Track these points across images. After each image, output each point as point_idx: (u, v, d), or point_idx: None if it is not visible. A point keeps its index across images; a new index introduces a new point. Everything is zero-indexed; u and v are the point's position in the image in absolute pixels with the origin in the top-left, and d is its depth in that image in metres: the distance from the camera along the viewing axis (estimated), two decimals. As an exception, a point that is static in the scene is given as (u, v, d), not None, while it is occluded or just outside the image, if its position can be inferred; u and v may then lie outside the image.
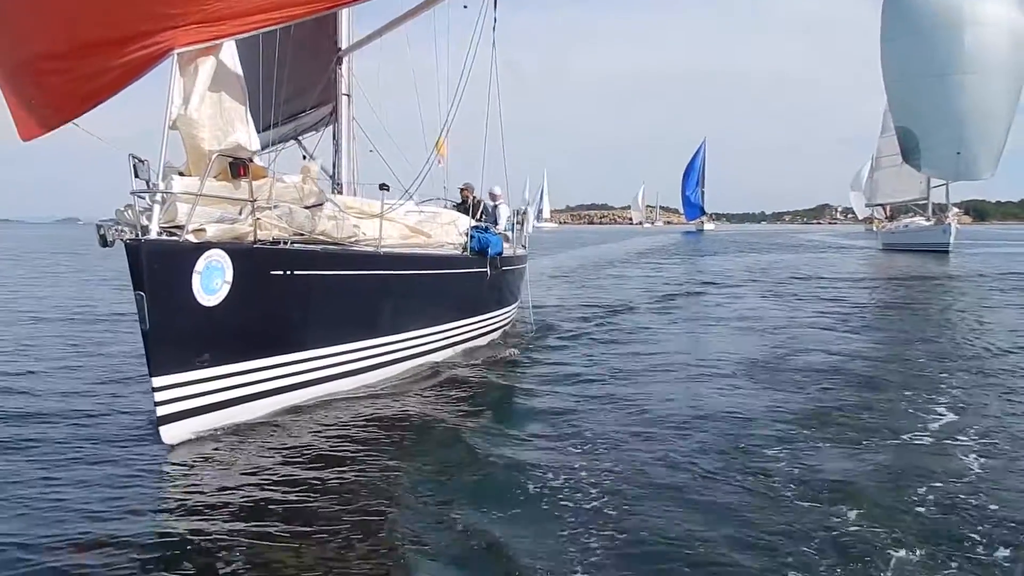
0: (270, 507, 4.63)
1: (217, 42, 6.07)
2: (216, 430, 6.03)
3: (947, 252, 36.82)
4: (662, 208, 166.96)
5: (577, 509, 4.60)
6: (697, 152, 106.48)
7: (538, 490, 4.90)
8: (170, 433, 5.74)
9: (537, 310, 13.24)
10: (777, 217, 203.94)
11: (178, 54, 5.75)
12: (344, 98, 10.81)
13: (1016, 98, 35.78)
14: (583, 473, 5.21)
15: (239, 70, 6.79)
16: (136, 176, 5.81)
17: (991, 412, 6.89)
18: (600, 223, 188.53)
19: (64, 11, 5.63)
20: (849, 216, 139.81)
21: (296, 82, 9.86)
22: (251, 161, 6.62)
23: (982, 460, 5.51)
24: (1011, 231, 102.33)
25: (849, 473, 5.22)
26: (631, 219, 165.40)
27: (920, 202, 45.89)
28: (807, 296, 18.15)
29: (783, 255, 40.77)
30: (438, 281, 9.21)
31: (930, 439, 6.05)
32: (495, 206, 12.11)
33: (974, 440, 6.01)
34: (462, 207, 11.32)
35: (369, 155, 11.24)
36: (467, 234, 9.82)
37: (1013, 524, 4.33)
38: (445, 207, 11.07)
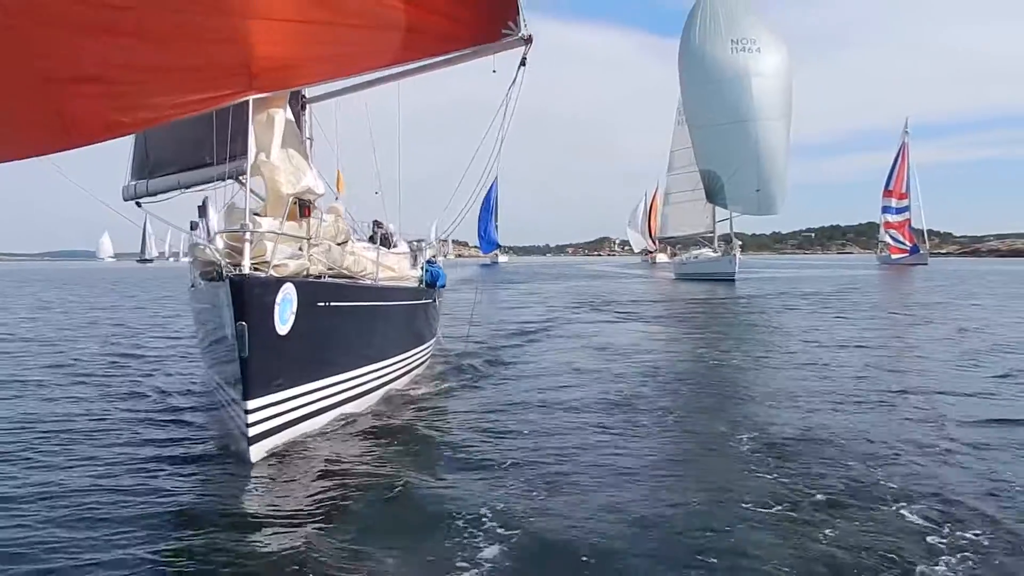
0: (349, 513, 5.08)
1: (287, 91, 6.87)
2: (287, 446, 6.47)
3: (733, 280, 40.63)
4: (454, 242, 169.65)
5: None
6: (491, 188, 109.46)
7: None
8: (257, 451, 6.11)
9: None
10: (560, 249, 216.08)
11: (253, 100, 6.28)
12: (308, 142, 10.65)
13: (788, 139, 40.80)
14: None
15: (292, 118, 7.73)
16: (202, 217, 6.99)
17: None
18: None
19: (138, 40, 5.81)
20: (626, 248, 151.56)
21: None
22: (313, 203, 7.43)
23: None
24: (767, 260, 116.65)
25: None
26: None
27: (706, 235, 50.18)
28: (631, 315, 21.62)
29: (591, 281, 44.73)
30: (411, 311, 10.07)
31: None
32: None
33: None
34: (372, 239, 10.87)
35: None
36: (423, 268, 10.75)
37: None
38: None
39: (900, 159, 68.96)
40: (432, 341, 11.60)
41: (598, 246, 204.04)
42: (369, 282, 8.43)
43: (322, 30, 6.37)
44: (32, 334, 16.99)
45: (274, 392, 6.34)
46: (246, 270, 6.10)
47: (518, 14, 6.92)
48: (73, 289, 40.81)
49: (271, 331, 6.09)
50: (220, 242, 6.62)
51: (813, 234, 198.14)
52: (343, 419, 7.51)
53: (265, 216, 7.03)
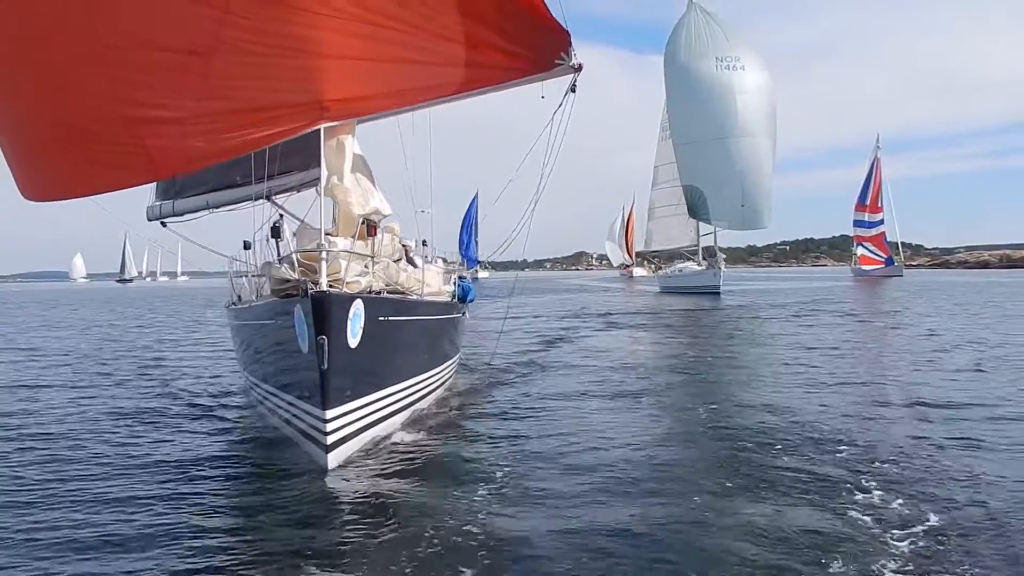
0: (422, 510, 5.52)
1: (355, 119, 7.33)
2: (357, 453, 6.88)
3: (718, 293, 41.28)
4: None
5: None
6: (471, 204, 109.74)
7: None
8: (334, 458, 6.47)
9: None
10: (539, 264, 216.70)
11: (324, 128, 6.80)
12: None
13: (774, 155, 41.74)
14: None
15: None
16: (276, 238, 7.43)
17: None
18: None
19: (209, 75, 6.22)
20: (603, 263, 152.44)
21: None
22: (378, 223, 7.92)
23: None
24: (743, 273, 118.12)
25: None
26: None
27: (690, 248, 50.93)
28: (630, 327, 23.01)
29: (574, 295, 45.34)
30: (450, 324, 10.49)
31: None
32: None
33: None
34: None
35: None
36: (455, 283, 11.20)
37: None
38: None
39: (874, 173, 70.65)
40: (460, 352, 12.07)
41: (576, 261, 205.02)
42: (416, 297, 8.81)
43: (389, 67, 6.84)
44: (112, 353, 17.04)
45: (346, 402, 6.66)
46: (324, 287, 6.41)
47: (570, 45, 7.37)
48: (94, 308, 40.89)
49: (345, 344, 6.41)
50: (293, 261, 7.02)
51: (788, 247, 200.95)
52: (398, 427, 7.92)
53: (336, 236, 7.42)
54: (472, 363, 13.33)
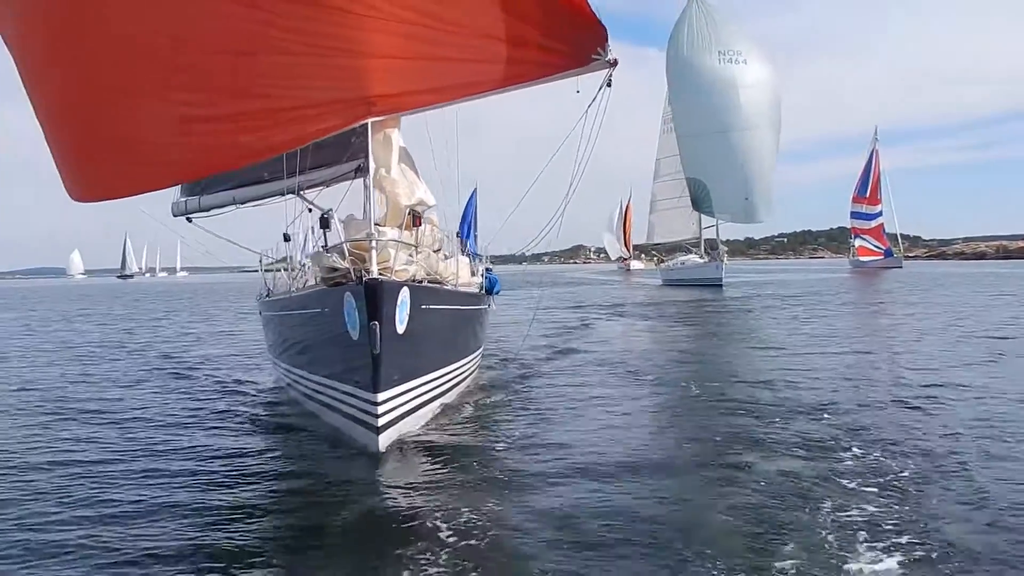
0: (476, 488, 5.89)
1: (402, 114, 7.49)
2: (404, 435, 7.18)
3: (720, 285, 41.47)
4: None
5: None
6: (470, 200, 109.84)
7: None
8: (384, 440, 6.76)
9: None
10: (536, 258, 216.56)
11: (371, 123, 7.02)
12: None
13: (776, 148, 41.95)
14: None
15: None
16: (325, 228, 7.43)
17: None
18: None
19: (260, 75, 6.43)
20: (601, 256, 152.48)
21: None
22: (422, 214, 8.18)
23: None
24: (742, 265, 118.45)
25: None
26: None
27: (691, 241, 51.12)
28: (642, 318, 23.78)
29: (576, 288, 46.43)
30: (479, 314, 10.79)
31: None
32: None
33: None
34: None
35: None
36: (483, 275, 11.47)
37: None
38: None
39: (873, 165, 70.89)
40: (484, 343, 12.33)
41: (573, 254, 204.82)
42: (451, 287, 9.05)
43: (432, 64, 7.04)
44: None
45: (394, 386, 6.91)
46: (375, 275, 6.62)
47: (607, 40, 7.57)
48: (127, 303, 41.36)
49: (394, 330, 6.66)
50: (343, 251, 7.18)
51: (785, 239, 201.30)
52: (438, 411, 8.27)
53: (383, 226, 7.65)
54: (496, 351, 13.62)
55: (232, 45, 6.47)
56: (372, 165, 7.66)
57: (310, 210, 11.43)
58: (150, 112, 6.66)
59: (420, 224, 7.88)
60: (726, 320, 22.77)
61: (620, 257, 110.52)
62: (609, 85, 7.93)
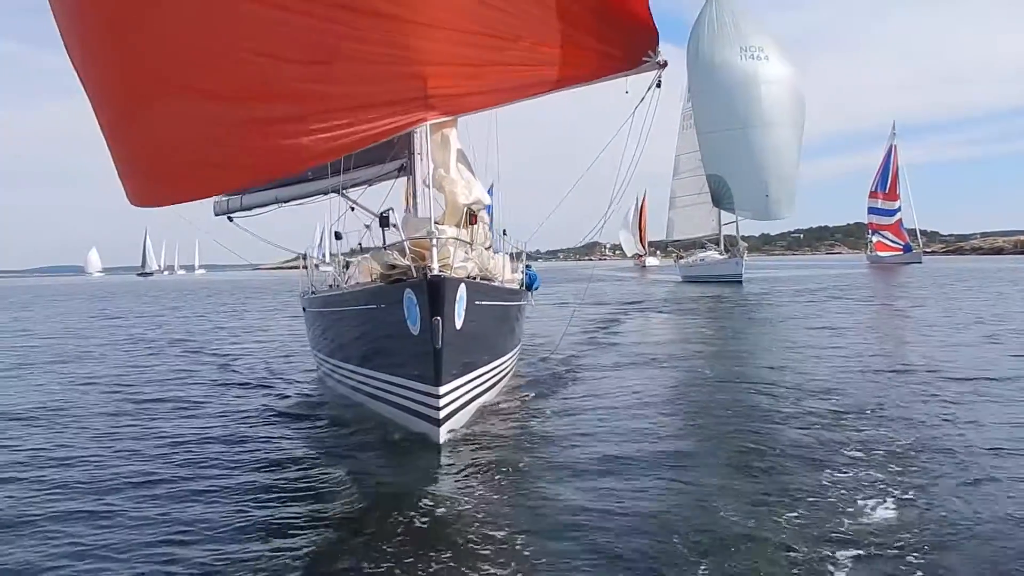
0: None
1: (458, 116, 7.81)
2: (462, 427, 7.52)
3: (740, 282, 41.48)
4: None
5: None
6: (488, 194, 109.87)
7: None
8: (444, 431, 7.05)
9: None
10: (552, 254, 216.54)
11: (430, 124, 7.46)
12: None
13: (799, 145, 41.86)
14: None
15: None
16: (385, 227, 7.54)
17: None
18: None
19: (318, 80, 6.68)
20: (617, 252, 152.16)
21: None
22: (478, 212, 8.63)
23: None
24: (759, 261, 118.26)
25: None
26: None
27: (711, 237, 51.04)
28: (672, 313, 24.29)
29: (593, 284, 45.12)
30: (521, 310, 11.06)
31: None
32: None
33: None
34: None
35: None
36: (523, 271, 11.70)
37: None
38: None
39: (891, 161, 70.49)
40: (523, 337, 12.51)
41: (589, 251, 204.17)
42: (499, 283, 9.28)
43: (490, 69, 7.29)
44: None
45: (453, 380, 7.18)
46: (436, 272, 6.82)
47: (658, 43, 7.79)
48: (171, 302, 41.53)
49: (454, 326, 6.90)
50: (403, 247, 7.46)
51: (802, 235, 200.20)
52: (488, 404, 8.55)
53: (442, 224, 7.92)
54: (534, 346, 13.92)
55: (304, 55, 6.74)
56: (431, 164, 7.98)
57: (352, 208, 11.67)
58: (224, 117, 6.92)
59: (476, 222, 8.19)
60: (751, 315, 23.01)
61: (636, 254, 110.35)
62: (659, 86, 8.17)
